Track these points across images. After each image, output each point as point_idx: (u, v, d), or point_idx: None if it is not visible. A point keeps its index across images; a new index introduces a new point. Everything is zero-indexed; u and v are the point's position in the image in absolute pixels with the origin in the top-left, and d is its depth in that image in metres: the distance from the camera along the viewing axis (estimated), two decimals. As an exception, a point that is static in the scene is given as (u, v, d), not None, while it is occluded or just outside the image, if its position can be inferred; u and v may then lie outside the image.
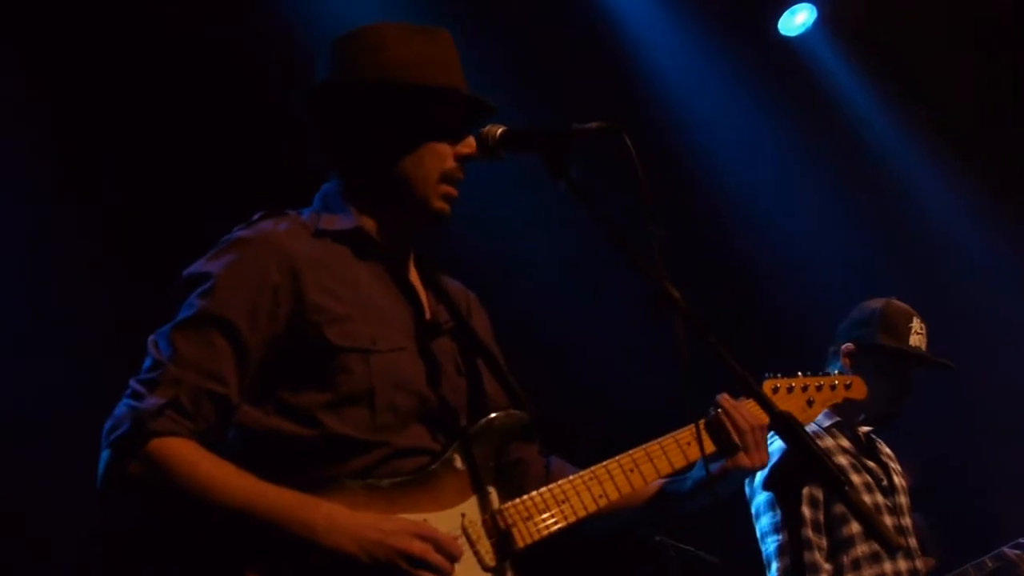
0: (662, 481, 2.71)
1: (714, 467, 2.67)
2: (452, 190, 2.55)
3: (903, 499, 4.22)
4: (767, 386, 2.97)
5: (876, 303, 4.32)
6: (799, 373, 3.08)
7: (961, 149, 7.07)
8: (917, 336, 4.22)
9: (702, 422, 2.68)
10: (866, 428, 4.31)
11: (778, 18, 6.92)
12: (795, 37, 7.05)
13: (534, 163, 2.41)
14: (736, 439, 2.65)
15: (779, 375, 3.02)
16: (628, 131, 2.32)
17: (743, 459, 2.64)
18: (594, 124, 2.36)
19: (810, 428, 4.21)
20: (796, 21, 6.96)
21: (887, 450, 4.41)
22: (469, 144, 2.54)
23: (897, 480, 4.25)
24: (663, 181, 5.97)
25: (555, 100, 5.85)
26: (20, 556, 4.67)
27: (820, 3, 6.87)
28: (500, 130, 2.46)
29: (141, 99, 5.10)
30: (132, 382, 2.30)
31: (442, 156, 2.53)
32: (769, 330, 6.44)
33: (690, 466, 2.70)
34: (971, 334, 6.90)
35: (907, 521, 4.17)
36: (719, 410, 2.68)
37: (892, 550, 2.03)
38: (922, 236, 7.33)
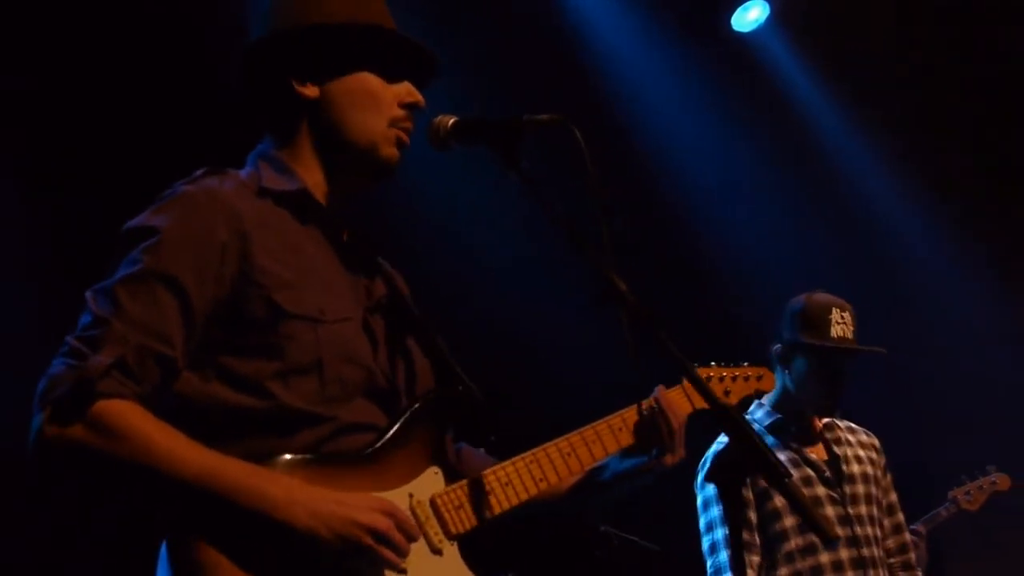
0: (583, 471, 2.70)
1: (636, 461, 2.67)
2: (403, 135, 2.52)
3: (861, 488, 4.27)
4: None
5: (797, 301, 4.38)
6: (713, 363, 3.07)
7: (910, 145, 7.16)
8: (839, 327, 4.26)
9: (631, 413, 2.69)
10: (826, 420, 4.36)
11: (731, 14, 6.97)
12: (748, 33, 7.09)
13: (487, 153, 2.42)
14: (665, 437, 2.64)
15: (696, 365, 2.99)
16: (578, 124, 2.34)
17: (668, 455, 2.64)
18: (544, 116, 2.38)
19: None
20: (749, 17, 7.02)
21: (859, 436, 4.47)
22: (412, 92, 2.53)
23: (856, 468, 4.30)
24: (614, 175, 6.04)
25: (507, 94, 5.85)
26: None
27: (773, 0, 6.92)
28: (451, 120, 2.45)
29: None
30: (70, 339, 2.18)
31: (382, 99, 2.50)
32: (717, 324, 6.48)
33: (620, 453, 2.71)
34: (921, 326, 7.01)
35: (859, 510, 4.22)
36: (655, 404, 2.68)
37: (829, 541, 2.05)
38: (872, 230, 7.40)
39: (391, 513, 2.22)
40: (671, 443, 2.65)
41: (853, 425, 4.51)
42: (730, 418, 2.10)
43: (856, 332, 4.30)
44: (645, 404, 2.69)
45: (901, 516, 4.42)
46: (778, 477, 2.05)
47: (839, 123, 7.30)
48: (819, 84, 7.27)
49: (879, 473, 4.39)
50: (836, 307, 4.29)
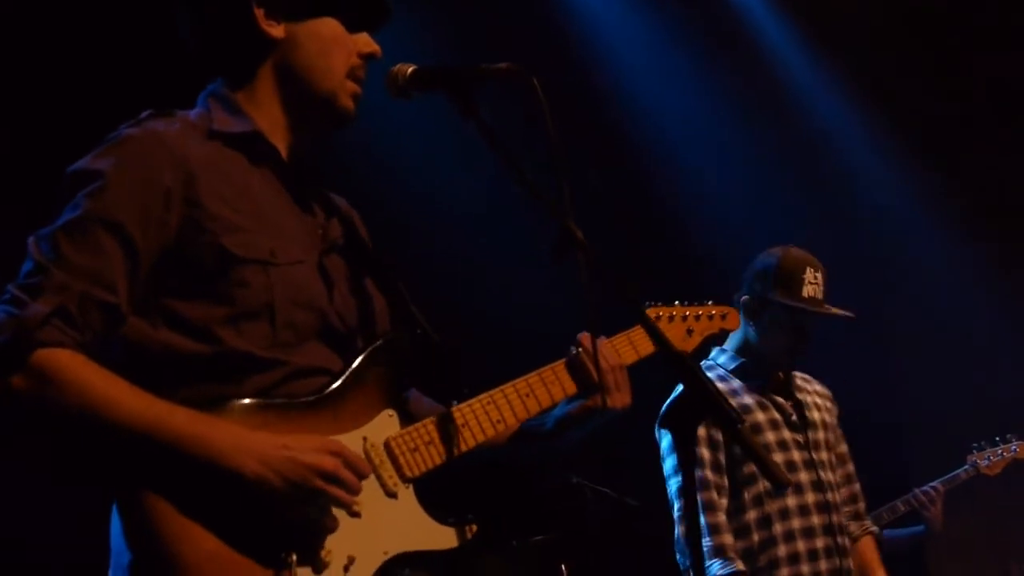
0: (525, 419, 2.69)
1: (573, 406, 2.67)
2: (357, 88, 2.51)
3: (822, 435, 4.31)
4: (648, 314, 2.90)
5: (772, 254, 4.38)
6: (676, 302, 3.07)
7: (880, 91, 7.18)
8: (811, 287, 4.28)
9: (563, 362, 2.68)
10: (781, 374, 4.39)
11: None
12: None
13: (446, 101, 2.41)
14: (595, 379, 2.62)
15: (659, 303, 3.02)
16: (547, 76, 2.33)
17: (605, 400, 2.63)
18: (503, 65, 2.38)
19: (717, 372, 4.34)
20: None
21: (816, 387, 4.51)
22: (370, 43, 2.52)
23: (816, 416, 4.34)
24: (584, 128, 6.04)
25: (472, 41, 5.82)
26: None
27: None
28: (410, 69, 2.45)
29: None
30: (11, 287, 2.16)
31: (345, 47, 2.49)
32: (682, 271, 6.49)
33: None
34: (883, 276, 7.04)
35: (821, 455, 4.26)
36: (579, 350, 2.67)
37: (781, 486, 2.07)
38: (839, 178, 7.41)
39: (337, 452, 2.22)
40: (603, 383, 2.63)
41: (808, 376, 4.54)
42: (682, 364, 2.11)
43: (826, 293, 4.32)
44: (576, 350, 2.68)
45: (851, 466, 4.46)
46: (730, 423, 2.06)
47: (805, 65, 7.29)
48: (785, 25, 7.27)
49: (835, 422, 4.44)
50: (810, 267, 4.30)
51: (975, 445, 5.98)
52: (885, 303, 7.04)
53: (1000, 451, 5.95)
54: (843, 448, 4.46)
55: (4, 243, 2.36)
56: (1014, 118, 7.20)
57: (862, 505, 4.48)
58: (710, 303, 3.15)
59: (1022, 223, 7.21)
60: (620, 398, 2.65)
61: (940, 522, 5.82)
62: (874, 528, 4.54)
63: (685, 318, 3.05)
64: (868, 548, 4.44)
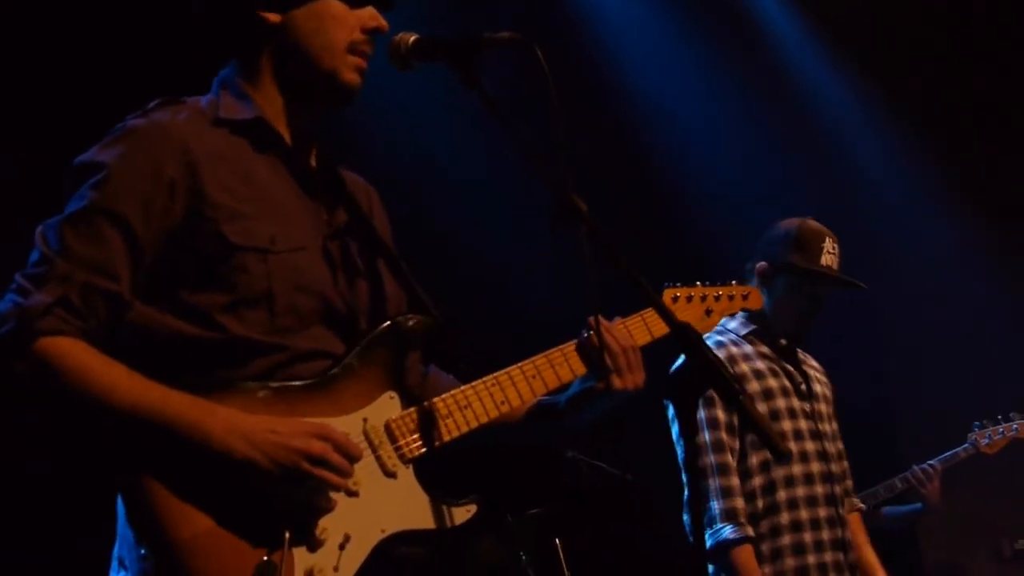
0: (538, 398, 2.70)
1: (587, 386, 2.66)
2: (361, 61, 2.50)
3: (824, 407, 4.32)
4: (667, 295, 2.96)
5: (791, 223, 4.39)
6: (697, 283, 3.05)
7: (887, 77, 7.18)
8: (829, 256, 4.30)
9: (573, 344, 2.68)
10: (784, 341, 4.40)
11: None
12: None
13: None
14: (608, 362, 2.62)
15: (678, 284, 3.00)
16: (549, 47, 2.32)
17: (616, 381, 2.62)
18: (505, 34, 2.36)
19: (728, 337, 4.32)
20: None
21: (813, 362, 4.52)
22: (375, 17, 2.51)
23: (819, 388, 4.35)
24: (584, 101, 6.03)
25: (479, 14, 5.80)
26: None
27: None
28: (412, 38, 2.44)
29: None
30: (18, 277, 2.22)
31: (346, 22, 2.48)
32: (688, 248, 6.50)
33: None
34: (886, 261, 7.05)
35: (825, 427, 4.27)
36: (590, 332, 2.66)
37: (780, 455, 2.08)
38: (844, 164, 7.41)
39: (325, 436, 2.25)
40: (615, 365, 2.62)
41: (804, 353, 4.55)
42: (685, 335, 2.12)
43: (841, 265, 4.34)
44: (587, 333, 2.67)
45: (842, 444, 4.48)
46: (731, 393, 2.08)
47: (811, 50, 7.30)
48: (793, 12, 7.27)
49: (831, 398, 4.46)
50: (829, 237, 4.34)
51: (976, 423, 5.98)
52: (885, 285, 7.07)
53: (1001, 430, 5.94)
54: (835, 425, 4.48)
55: (13, 235, 2.37)
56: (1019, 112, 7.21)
57: (850, 483, 4.49)
58: (733, 283, 3.14)
59: (1014, 201, 7.23)
60: (632, 379, 2.64)
61: (937, 500, 5.83)
62: (862, 505, 4.56)
63: (704, 298, 3.04)
64: (856, 525, 4.46)
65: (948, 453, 5.92)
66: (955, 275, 7.16)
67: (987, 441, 5.91)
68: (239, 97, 2.47)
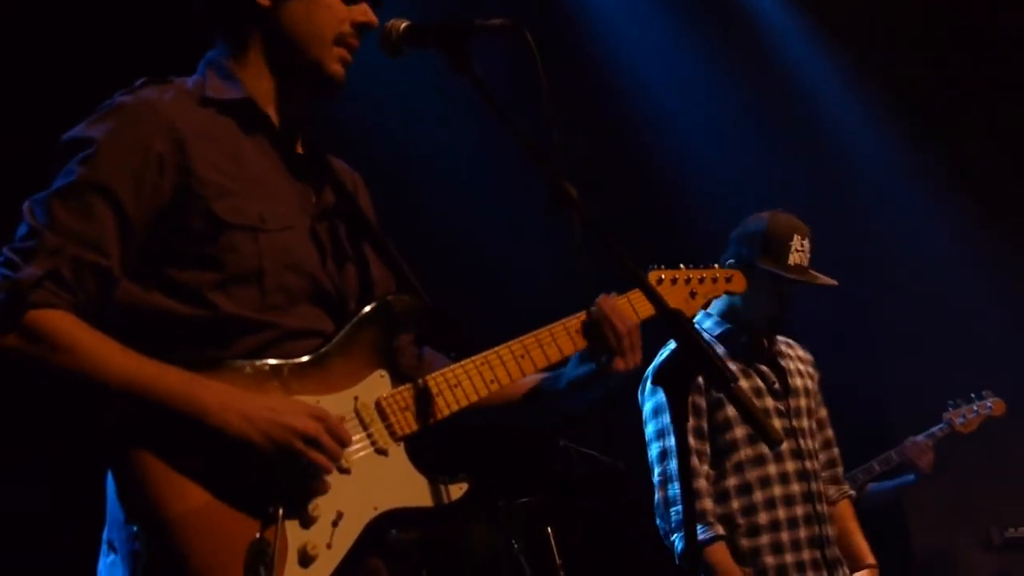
0: (538, 378, 2.72)
1: (590, 367, 2.67)
2: (347, 54, 2.50)
3: (803, 401, 4.33)
4: (652, 277, 2.95)
5: (760, 220, 4.37)
6: (681, 265, 3.05)
7: (887, 76, 7.18)
8: (797, 254, 4.28)
9: (579, 319, 2.68)
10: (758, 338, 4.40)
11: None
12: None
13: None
14: (612, 342, 2.64)
15: (663, 266, 3.01)
16: (541, 37, 2.33)
17: (619, 362, 2.63)
18: (496, 21, 2.38)
19: (703, 336, 4.30)
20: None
21: (798, 351, 4.52)
22: (366, 12, 2.51)
23: (798, 382, 4.35)
24: (575, 89, 6.01)
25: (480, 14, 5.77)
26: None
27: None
28: (403, 24, 2.45)
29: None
30: (6, 250, 2.21)
31: (336, 13, 2.48)
32: (688, 247, 6.49)
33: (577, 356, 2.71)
34: (885, 260, 7.07)
35: (802, 423, 4.28)
36: (595, 310, 2.66)
37: (773, 444, 2.08)
38: (833, 149, 7.41)
39: (321, 418, 2.25)
40: (619, 346, 2.64)
41: (790, 341, 4.55)
42: (677, 322, 2.11)
43: (811, 259, 4.33)
44: (591, 310, 2.68)
45: (831, 431, 4.49)
46: (724, 381, 2.07)
47: (802, 40, 7.29)
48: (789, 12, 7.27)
49: (816, 387, 4.46)
50: (797, 234, 4.30)
51: (950, 403, 5.99)
52: (884, 284, 7.10)
53: (976, 408, 5.95)
54: (823, 413, 4.48)
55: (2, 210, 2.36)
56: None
57: (840, 470, 4.51)
58: (716, 266, 3.13)
59: (1014, 201, 7.24)
60: (633, 359, 2.66)
61: (930, 470, 5.81)
62: (852, 492, 4.58)
63: (688, 281, 3.03)
64: (846, 511, 4.48)
65: (924, 433, 5.91)
66: (954, 274, 7.16)
67: (961, 420, 5.92)
68: (226, 78, 2.47)
